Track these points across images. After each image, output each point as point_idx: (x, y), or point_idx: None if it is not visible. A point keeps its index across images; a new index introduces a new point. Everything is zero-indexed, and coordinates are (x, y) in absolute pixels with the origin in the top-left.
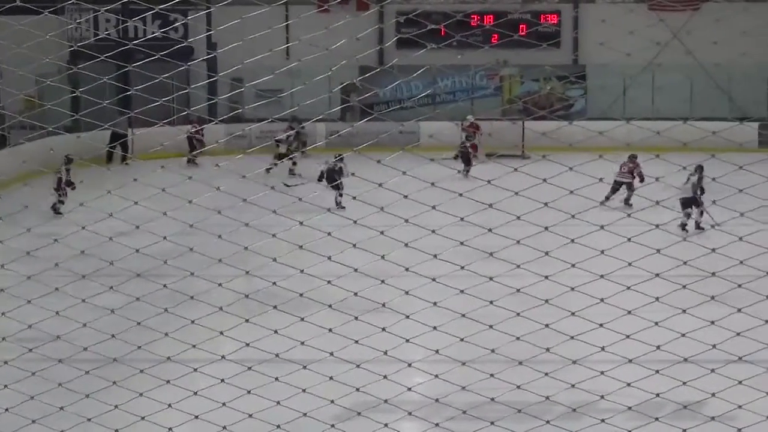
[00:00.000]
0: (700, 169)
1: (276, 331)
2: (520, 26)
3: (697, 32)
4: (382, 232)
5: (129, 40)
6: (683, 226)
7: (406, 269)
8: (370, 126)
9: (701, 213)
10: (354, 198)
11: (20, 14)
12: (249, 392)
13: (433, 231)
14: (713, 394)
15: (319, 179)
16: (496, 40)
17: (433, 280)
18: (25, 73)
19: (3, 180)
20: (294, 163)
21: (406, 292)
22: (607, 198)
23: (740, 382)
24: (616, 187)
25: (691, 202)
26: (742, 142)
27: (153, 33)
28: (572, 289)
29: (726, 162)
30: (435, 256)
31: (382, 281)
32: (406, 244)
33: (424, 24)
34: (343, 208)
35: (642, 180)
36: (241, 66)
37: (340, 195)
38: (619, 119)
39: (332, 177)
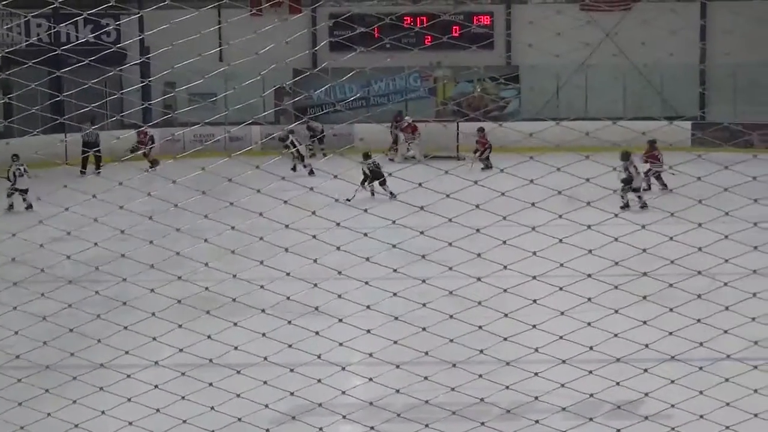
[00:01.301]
0: (626, 155)
1: (209, 336)
2: (453, 28)
3: (628, 33)
4: (314, 236)
5: (60, 45)
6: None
7: (339, 273)
8: (303, 129)
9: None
10: (285, 202)
11: None
12: (183, 398)
13: (366, 234)
14: (647, 394)
15: (364, 182)
16: (429, 41)
17: (366, 283)
18: None
19: None
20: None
21: (339, 296)
22: (646, 189)
23: (673, 381)
24: (647, 179)
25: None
26: (675, 141)
27: (85, 38)
28: (505, 290)
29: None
30: (367, 259)
31: (315, 285)
32: (338, 248)
33: (356, 27)
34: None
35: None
36: (173, 70)
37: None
38: (551, 120)
39: (379, 174)
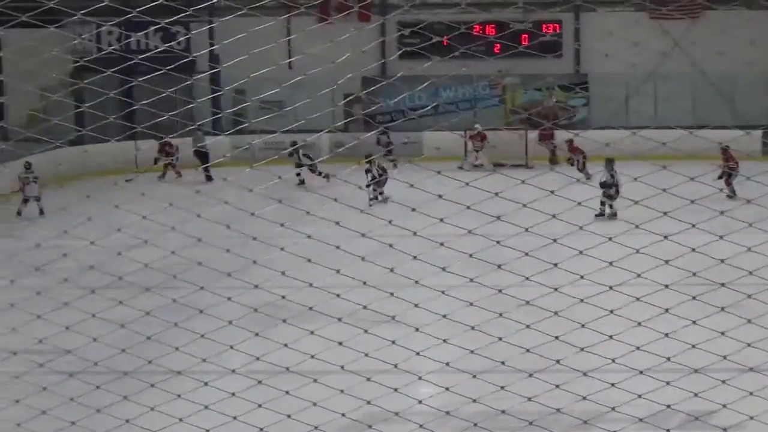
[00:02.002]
0: (610, 162)
1: (286, 345)
2: (522, 36)
3: (699, 41)
4: (390, 245)
5: (131, 54)
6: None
7: (416, 282)
8: (373, 138)
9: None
10: (362, 212)
11: (23, 28)
12: (260, 406)
13: (442, 243)
14: (724, 405)
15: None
16: (499, 50)
17: (443, 292)
18: (32, 89)
19: (8, 193)
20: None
21: (416, 305)
22: (729, 190)
23: (751, 393)
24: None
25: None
26: (747, 151)
27: (155, 46)
28: (582, 300)
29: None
30: (444, 268)
31: (392, 294)
32: (415, 257)
33: (426, 35)
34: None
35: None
36: (248, 79)
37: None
38: (622, 128)
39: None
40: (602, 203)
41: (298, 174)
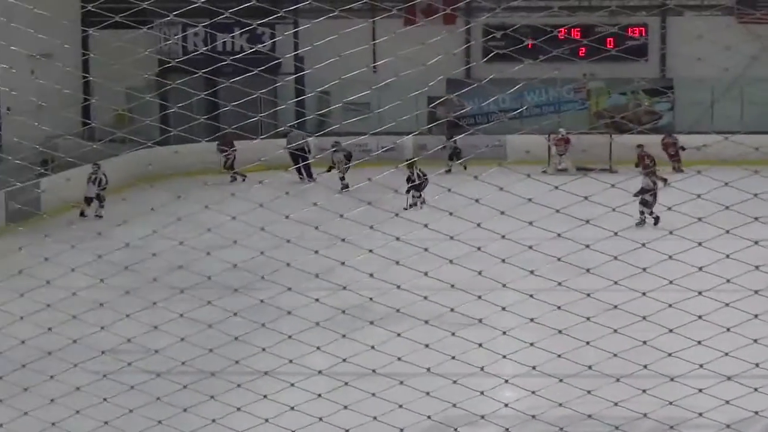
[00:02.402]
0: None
1: (372, 347)
2: (607, 40)
3: None
4: (479, 248)
5: (217, 54)
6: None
7: (503, 285)
8: (459, 140)
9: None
10: (450, 214)
11: (112, 29)
12: (345, 407)
13: (530, 246)
14: None
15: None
16: (584, 54)
17: (530, 296)
18: (120, 89)
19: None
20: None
21: (503, 308)
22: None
23: None
24: None
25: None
26: None
27: (242, 48)
28: (670, 305)
29: None
30: (531, 272)
31: (479, 297)
32: (503, 260)
33: (512, 38)
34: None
35: None
36: (335, 81)
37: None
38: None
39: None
40: (641, 212)
41: (342, 179)
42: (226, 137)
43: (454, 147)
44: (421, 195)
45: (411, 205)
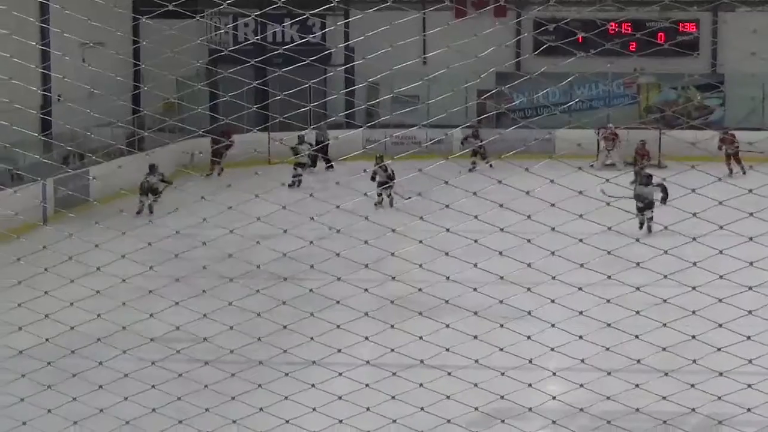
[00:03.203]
0: (648, 176)
1: (421, 337)
2: (659, 34)
3: None
4: (528, 240)
5: (267, 44)
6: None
7: (553, 277)
8: (507, 135)
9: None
10: (501, 206)
11: (163, 18)
12: (393, 398)
13: (581, 240)
14: None
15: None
16: (635, 48)
17: (579, 289)
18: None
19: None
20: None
21: (552, 301)
22: None
23: None
24: None
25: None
26: None
27: (292, 38)
28: (720, 300)
29: None
30: (581, 265)
31: (528, 289)
32: (553, 253)
33: (563, 31)
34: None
35: None
36: (387, 72)
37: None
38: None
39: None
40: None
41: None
42: (226, 129)
43: (476, 142)
44: (390, 194)
45: (376, 204)
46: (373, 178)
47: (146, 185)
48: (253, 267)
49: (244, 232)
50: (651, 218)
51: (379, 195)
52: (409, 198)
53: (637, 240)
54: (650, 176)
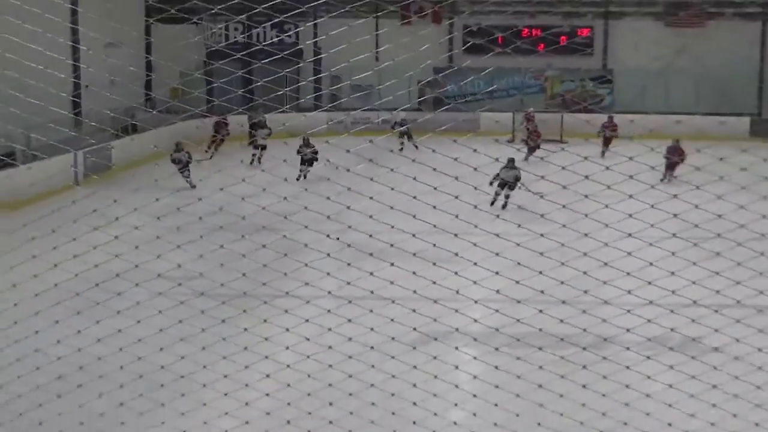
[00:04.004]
0: (511, 161)
1: (371, 273)
2: (561, 37)
3: (704, 44)
4: (456, 197)
5: (252, 43)
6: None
7: (475, 226)
8: (441, 115)
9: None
10: (434, 169)
11: (169, 23)
12: (349, 320)
13: (496, 196)
14: (716, 330)
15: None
16: (542, 48)
17: (497, 235)
18: (175, 68)
19: (159, 151)
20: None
21: (474, 244)
22: (664, 176)
23: (738, 321)
24: (668, 165)
25: (505, 185)
26: (738, 132)
27: (272, 38)
28: (605, 244)
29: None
30: (497, 216)
31: (455, 235)
32: (475, 206)
33: (485, 33)
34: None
35: (683, 160)
36: (341, 66)
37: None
38: (643, 112)
39: (313, 160)
40: (498, 193)
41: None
42: (220, 121)
43: (403, 123)
44: (309, 170)
45: (298, 178)
46: (299, 152)
47: (176, 159)
48: (239, 218)
49: (233, 190)
50: (509, 196)
51: (302, 170)
52: (328, 161)
53: (542, 196)
54: (513, 160)
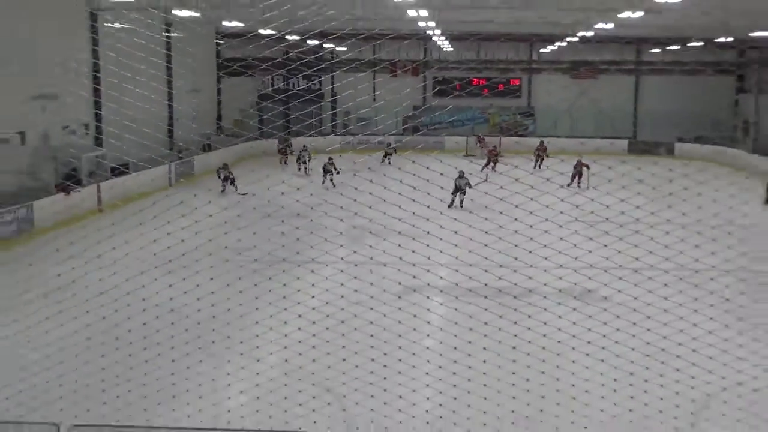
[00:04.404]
0: (462, 173)
1: (371, 246)
2: (499, 86)
3: (597, 89)
4: (428, 193)
5: (289, 89)
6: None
7: (441, 213)
8: (418, 138)
9: (462, 200)
10: (414, 175)
11: (232, 74)
12: (355, 278)
13: (453, 197)
14: (605, 284)
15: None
16: (486, 92)
17: (455, 219)
18: (237, 107)
19: (231, 162)
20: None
21: (441, 226)
22: (571, 182)
23: (620, 278)
24: (574, 174)
25: (458, 190)
26: (619, 149)
27: (302, 86)
28: (531, 226)
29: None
30: (450, 205)
31: (428, 219)
32: (441, 200)
33: (448, 82)
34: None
35: (588, 169)
36: (349, 104)
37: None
38: (556, 137)
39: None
40: (455, 198)
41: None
42: (286, 140)
43: (390, 147)
44: (332, 180)
45: (323, 182)
46: (218, 175)
47: (221, 173)
48: (280, 208)
49: (277, 188)
50: (462, 199)
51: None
52: (339, 171)
53: (486, 193)
54: (463, 173)
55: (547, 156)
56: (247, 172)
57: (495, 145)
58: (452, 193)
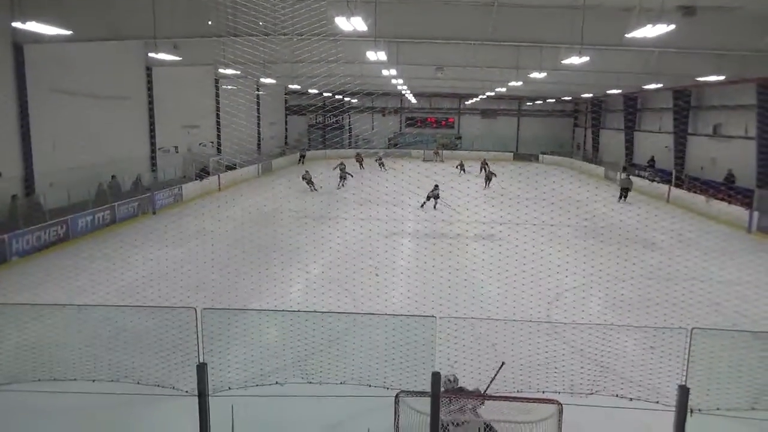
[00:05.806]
0: (436, 186)
1: (371, 210)
2: (442, 122)
3: (501, 123)
4: (406, 182)
5: (326, 123)
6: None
7: (414, 193)
8: (397, 150)
9: (435, 203)
10: (402, 173)
11: (295, 112)
12: (362, 226)
13: (436, 186)
14: (500, 231)
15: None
16: (434, 125)
17: (423, 197)
18: (297, 130)
19: (285, 164)
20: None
21: (411, 198)
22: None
23: (508, 228)
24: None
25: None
26: (508, 158)
27: (333, 120)
28: (462, 202)
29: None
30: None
31: (403, 195)
32: (418, 187)
33: (415, 119)
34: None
35: (495, 176)
36: (358, 130)
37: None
38: (476, 150)
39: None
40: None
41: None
42: (357, 155)
43: (382, 158)
44: (344, 184)
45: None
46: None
47: (306, 177)
48: (322, 190)
49: (322, 182)
50: (435, 204)
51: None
52: (351, 175)
53: (453, 188)
54: (437, 185)
55: (488, 164)
56: (303, 170)
57: (484, 158)
58: (426, 199)
